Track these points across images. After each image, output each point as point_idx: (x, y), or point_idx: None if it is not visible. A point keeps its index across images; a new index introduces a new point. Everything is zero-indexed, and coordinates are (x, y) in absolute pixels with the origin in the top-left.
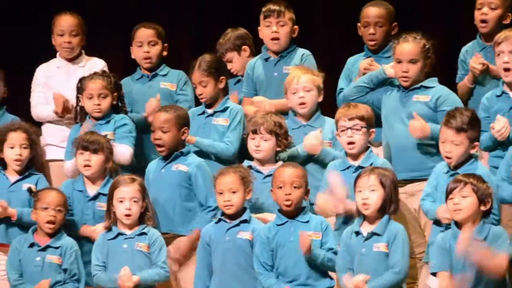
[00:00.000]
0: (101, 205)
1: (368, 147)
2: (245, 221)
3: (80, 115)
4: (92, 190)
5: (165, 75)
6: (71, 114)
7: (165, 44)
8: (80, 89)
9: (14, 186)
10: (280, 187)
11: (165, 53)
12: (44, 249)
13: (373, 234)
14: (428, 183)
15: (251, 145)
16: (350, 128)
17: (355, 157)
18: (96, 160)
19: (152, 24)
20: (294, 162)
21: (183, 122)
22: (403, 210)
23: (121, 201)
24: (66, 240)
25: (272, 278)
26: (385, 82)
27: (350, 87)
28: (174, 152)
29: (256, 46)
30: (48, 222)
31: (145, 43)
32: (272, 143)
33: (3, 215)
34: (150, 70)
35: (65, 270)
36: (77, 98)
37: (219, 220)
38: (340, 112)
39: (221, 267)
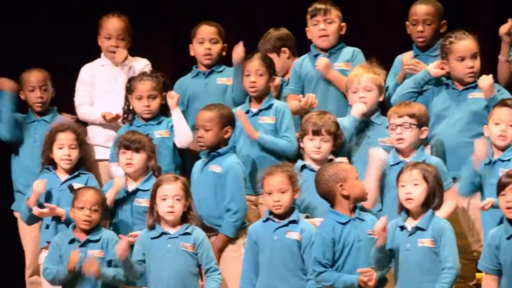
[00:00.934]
0: (140, 201)
1: (420, 145)
2: (294, 221)
3: (129, 115)
4: (132, 186)
5: (221, 71)
6: (119, 120)
7: (225, 44)
8: (129, 90)
9: (64, 185)
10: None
11: (224, 53)
12: (84, 244)
13: (417, 229)
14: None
15: (309, 146)
16: (399, 125)
17: (406, 153)
18: (138, 158)
19: (214, 22)
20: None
21: (226, 121)
22: None
23: (164, 199)
24: (106, 233)
25: (337, 273)
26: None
27: (398, 94)
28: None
29: (297, 47)
30: (84, 221)
31: (206, 40)
32: (331, 145)
33: (51, 215)
34: (208, 67)
35: (109, 262)
36: (126, 98)
37: (267, 219)
38: (392, 110)
39: (268, 267)
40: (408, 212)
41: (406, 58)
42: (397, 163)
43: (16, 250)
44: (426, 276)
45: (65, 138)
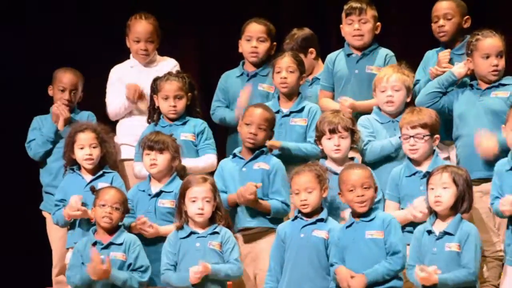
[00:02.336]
0: (163, 202)
1: (434, 151)
2: (321, 220)
3: (154, 115)
4: (155, 188)
5: (265, 75)
6: (144, 101)
7: (274, 43)
8: (154, 90)
9: (89, 186)
10: (351, 190)
11: (272, 51)
12: (107, 246)
13: (445, 233)
14: (493, 185)
15: (329, 145)
16: (412, 136)
17: (419, 162)
18: (162, 159)
19: (264, 20)
20: (359, 163)
21: (274, 123)
22: (478, 208)
23: (193, 201)
24: (128, 236)
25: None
26: (454, 84)
27: (423, 94)
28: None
29: (321, 47)
30: (104, 218)
31: (254, 38)
32: (349, 141)
33: (82, 217)
34: (254, 65)
35: (129, 266)
36: (151, 98)
37: (296, 217)
38: (404, 118)
39: (293, 264)
40: (437, 215)
41: (443, 56)
42: (413, 174)
43: (44, 249)
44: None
45: (85, 138)
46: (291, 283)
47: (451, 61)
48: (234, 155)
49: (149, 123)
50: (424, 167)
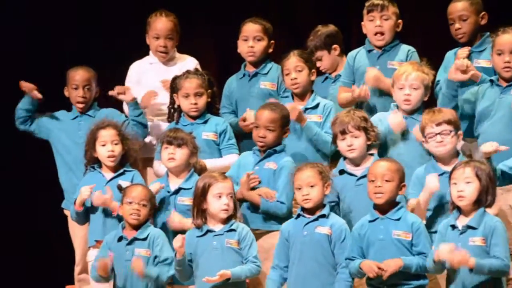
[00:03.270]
0: (182, 199)
1: (458, 153)
2: (323, 216)
3: (174, 114)
4: (174, 185)
5: (266, 73)
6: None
7: (272, 41)
8: (174, 88)
9: (110, 184)
10: (372, 181)
11: (270, 50)
12: (131, 242)
13: (468, 227)
14: None
15: (342, 145)
16: (439, 133)
17: (446, 162)
18: (180, 154)
19: (260, 19)
20: (391, 158)
21: (287, 121)
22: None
23: (219, 197)
24: (153, 231)
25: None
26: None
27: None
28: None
29: (345, 44)
30: (132, 214)
31: (250, 38)
32: (363, 139)
33: (106, 205)
34: (254, 65)
35: (154, 259)
36: (171, 97)
37: (298, 215)
38: (426, 118)
39: (298, 262)
40: (460, 210)
41: (461, 54)
42: (440, 174)
43: (66, 247)
44: (476, 275)
45: (107, 135)
46: (298, 281)
47: (470, 59)
48: (255, 151)
49: (169, 121)
50: (451, 167)
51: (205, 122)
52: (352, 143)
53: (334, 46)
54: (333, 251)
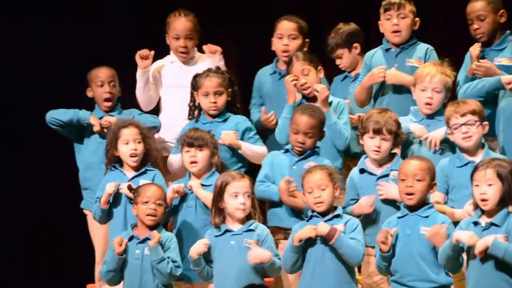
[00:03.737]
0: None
1: (483, 144)
2: (338, 215)
3: (195, 112)
4: (195, 182)
5: None
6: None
7: (307, 40)
8: (194, 86)
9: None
10: (403, 180)
11: (305, 48)
12: (143, 241)
13: (491, 224)
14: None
15: (369, 144)
16: (464, 124)
17: (472, 153)
18: (202, 156)
19: (295, 17)
20: (422, 156)
21: (323, 125)
22: None
23: (235, 196)
24: (165, 234)
25: None
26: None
27: (464, 95)
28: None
29: (366, 42)
30: (149, 215)
31: (285, 36)
32: (391, 144)
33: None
34: (287, 64)
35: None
36: (191, 95)
37: (311, 217)
38: (450, 109)
39: (315, 261)
40: (483, 210)
41: (474, 50)
42: (465, 164)
43: (86, 247)
44: (499, 272)
45: (129, 133)
46: (315, 280)
47: (490, 58)
48: (287, 150)
49: (189, 119)
50: (477, 159)
51: (225, 120)
52: (380, 145)
53: (355, 44)
54: None
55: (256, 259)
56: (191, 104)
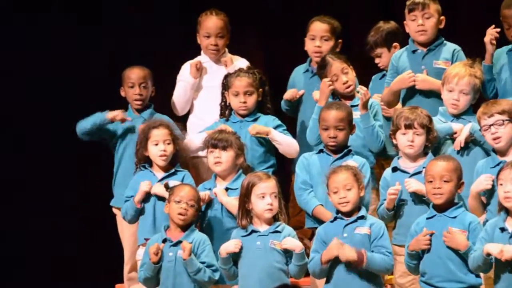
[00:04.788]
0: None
1: None
2: (362, 217)
3: (226, 111)
4: (221, 185)
5: None
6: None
7: (339, 40)
8: (225, 86)
9: (163, 183)
10: (430, 181)
11: (337, 49)
12: (176, 244)
13: None
14: None
15: (402, 140)
16: (492, 125)
17: (504, 152)
18: (226, 156)
19: (328, 18)
20: (448, 155)
21: (352, 118)
22: None
23: (262, 197)
24: (198, 235)
25: None
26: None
27: None
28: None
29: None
30: (179, 214)
31: (317, 37)
32: (424, 138)
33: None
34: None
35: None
36: (222, 94)
37: (335, 218)
38: (480, 111)
39: (340, 263)
40: (508, 212)
41: (491, 32)
42: (497, 164)
43: (115, 246)
44: None
45: (159, 134)
46: (339, 282)
47: None
48: (320, 151)
49: (221, 118)
50: (510, 158)
51: (255, 120)
52: (414, 140)
53: (395, 44)
54: (372, 250)
55: (289, 244)
56: (222, 103)
